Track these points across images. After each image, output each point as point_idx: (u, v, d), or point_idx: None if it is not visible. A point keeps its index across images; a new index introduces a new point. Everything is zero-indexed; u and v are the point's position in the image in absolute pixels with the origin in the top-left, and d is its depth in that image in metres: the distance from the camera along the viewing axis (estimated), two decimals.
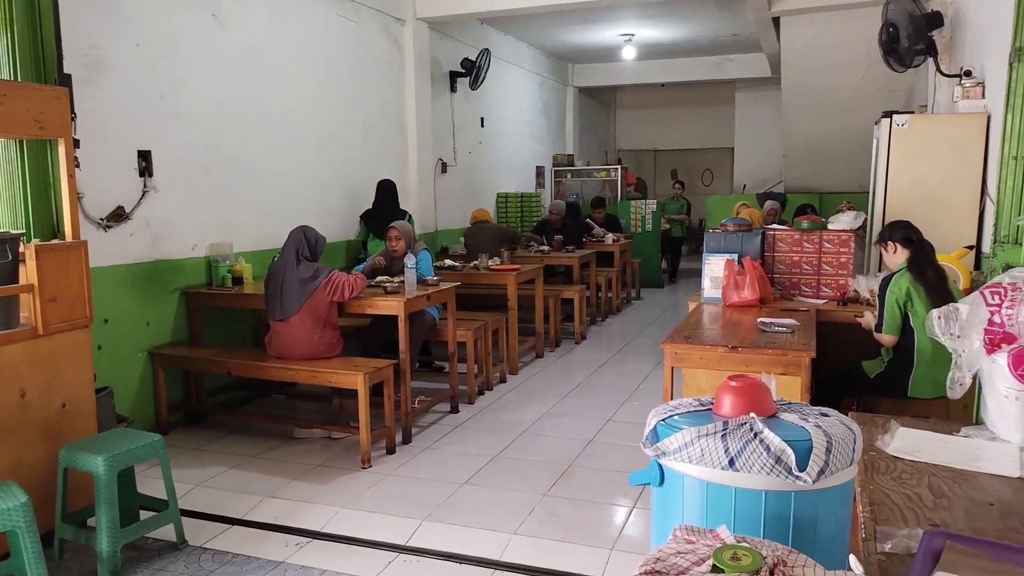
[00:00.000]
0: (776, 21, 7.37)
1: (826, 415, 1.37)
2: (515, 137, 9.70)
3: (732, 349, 2.91)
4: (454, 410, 4.56)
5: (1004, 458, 1.68)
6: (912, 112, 4.38)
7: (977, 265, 3.96)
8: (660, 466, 1.36)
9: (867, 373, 3.31)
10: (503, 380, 5.20)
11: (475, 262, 5.84)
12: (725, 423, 1.33)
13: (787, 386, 2.84)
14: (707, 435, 1.31)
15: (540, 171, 10.70)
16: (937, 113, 4.56)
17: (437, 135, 7.35)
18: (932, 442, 1.81)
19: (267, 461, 3.77)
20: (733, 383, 1.42)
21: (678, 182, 11.46)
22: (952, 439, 1.83)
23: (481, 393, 4.89)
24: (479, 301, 6.91)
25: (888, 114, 4.29)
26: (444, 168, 7.64)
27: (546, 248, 7.08)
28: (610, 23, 9.02)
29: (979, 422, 1.92)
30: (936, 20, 4.57)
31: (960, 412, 2.37)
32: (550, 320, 6.27)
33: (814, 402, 3.14)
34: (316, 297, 3.87)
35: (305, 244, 3.93)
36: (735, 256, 3.95)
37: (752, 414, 1.36)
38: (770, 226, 4.43)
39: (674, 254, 11.37)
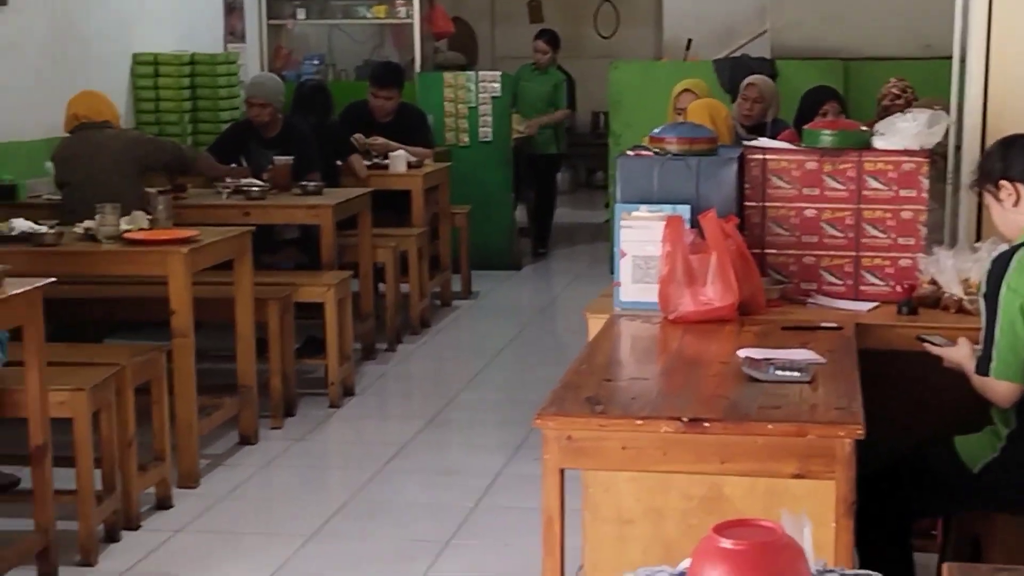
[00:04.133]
0: None
1: None
2: None
3: (690, 425, 2.97)
4: None
5: None
6: None
7: None
8: None
9: (964, 460, 3.51)
10: (164, 504, 5.37)
11: (85, 225, 5.77)
12: None
13: (808, 498, 2.94)
14: None
15: (233, 5, 10.53)
16: None
17: None
18: None
19: None
20: (726, 542, 1.45)
21: (546, 34, 11.73)
22: None
23: (113, 538, 4.97)
24: (100, 316, 6.70)
25: None
26: None
27: (253, 185, 7.07)
28: None
29: None
30: None
31: None
32: (271, 355, 6.35)
33: (861, 517, 3.29)
34: None
35: None
36: (684, 210, 4.06)
37: None
38: (754, 142, 4.59)
39: (543, 193, 11.67)
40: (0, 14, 7.39)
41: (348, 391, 6.98)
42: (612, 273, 4.21)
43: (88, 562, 4.70)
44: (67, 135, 6.65)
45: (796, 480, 2.94)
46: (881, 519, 3.52)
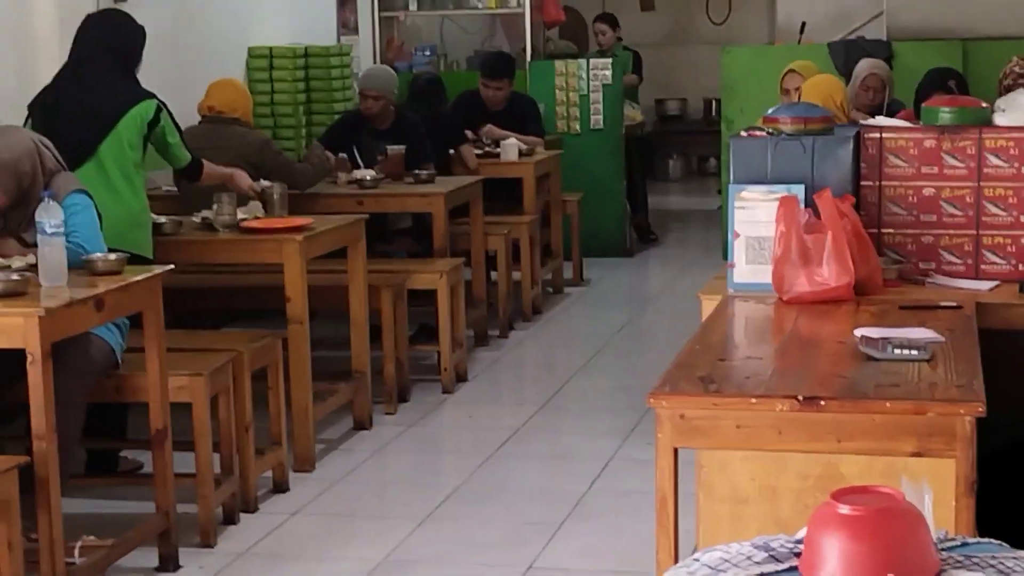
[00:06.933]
0: None
1: None
2: None
3: (806, 403, 2.93)
4: (168, 566, 4.64)
5: None
6: None
7: None
8: None
9: None
10: (280, 488, 5.45)
11: (202, 215, 5.89)
12: None
13: (927, 477, 2.89)
14: None
15: None
16: None
17: None
18: None
19: None
20: (844, 508, 1.44)
21: (605, 16, 11.70)
22: None
23: (231, 521, 5.07)
24: (217, 304, 6.79)
25: None
26: None
27: (365, 175, 7.13)
28: None
29: None
30: None
31: None
32: (384, 342, 6.42)
33: (981, 502, 3.24)
34: None
35: None
36: (799, 189, 4.02)
37: None
38: (871, 121, 4.53)
39: (633, 173, 11.45)
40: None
41: (461, 377, 7.01)
42: (725, 259, 4.17)
43: (207, 543, 4.78)
44: (193, 125, 6.72)
45: (915, 458, 2.90)
46: (1002, 500, 3.46)
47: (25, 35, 6.70)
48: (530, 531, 4.91)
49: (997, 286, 4.07)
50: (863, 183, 4.25)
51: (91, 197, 4.74)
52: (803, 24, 10.98)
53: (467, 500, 5.29)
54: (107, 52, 5.41)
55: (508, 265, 8.06)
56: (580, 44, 13.45)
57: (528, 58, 10.93)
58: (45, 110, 5.32)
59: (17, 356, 3.97)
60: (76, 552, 4.22)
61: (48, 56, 6.55)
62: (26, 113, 5.43)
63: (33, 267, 4.30)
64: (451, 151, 8.19)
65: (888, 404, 2.91)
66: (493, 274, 8.10)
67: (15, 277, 4.16)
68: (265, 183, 6.25)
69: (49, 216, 4.19)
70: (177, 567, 4.61)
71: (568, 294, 9.32)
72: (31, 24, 6.75)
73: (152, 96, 5.45)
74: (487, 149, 8.63)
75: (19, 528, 3.85)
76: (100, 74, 5.37)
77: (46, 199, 4.26)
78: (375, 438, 6.06)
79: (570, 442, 6.08)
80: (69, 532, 4.14)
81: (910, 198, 4.22)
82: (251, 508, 5.11)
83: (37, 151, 4.65)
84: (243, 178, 5.97)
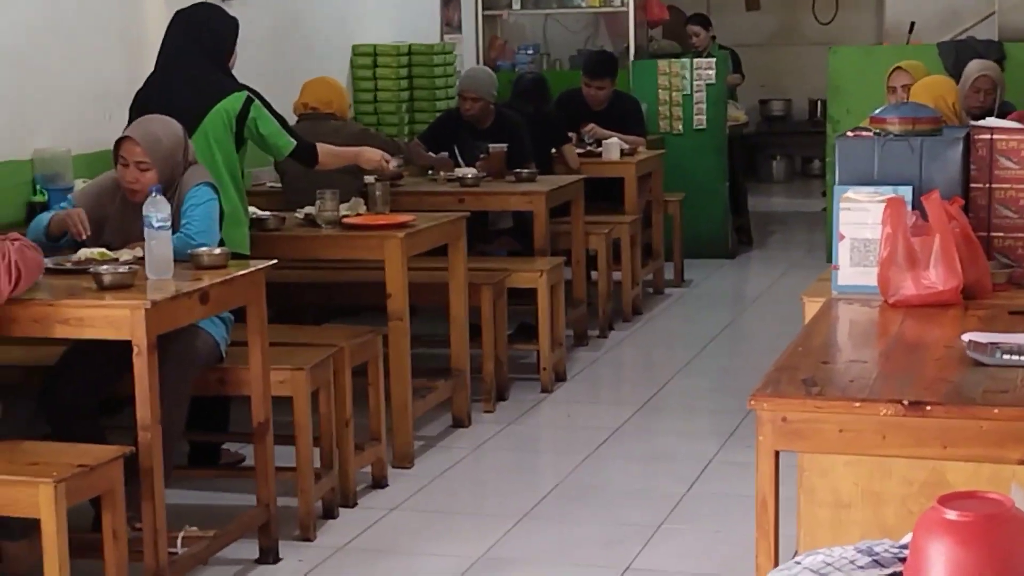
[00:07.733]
0: None
1: None
2: None
3: (911, 408, 2.90)
4: (268, 558, 4.69)
5: None
6: None
7: None
8: None
9: None
10: (379, 483, 5.49)
11: (305, 211, 5.93)
12: None
13: None
14: None
15: None
16: None
17: None
18: None
19: None
20: (951, 514, 1.42)
21: (696, 18, 11.62)
22: None
23: (330, 515, 5.12)
24: (318, 300, 6.85)
25: None
26: None
27: (468, 173, 7.17)
28: None
29: None
30: None
31: None
32: (484, 340, 6.44)
33: None
34: None
35: None
36: (906, 191, 3.97)
37: None
38: (981, 122, 4.46)
39: (736, 176, 11.33)
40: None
41: (560, 376, 7.02)
42: (829, 261, 4.14)
43: (307, 537, 4.85)
44: (297, 120, 6.81)
45: (1023, 467, 2.85)
46: None
47: (135, 34, 6.81)
48: (627, 532, 4.91)
49: None
50: (972, 185, 4.18)
51: (217, 192, 4.83)
52: (912, 24, 10.87)
53: (565, 499, 5.29)
54: (196, 47, 5.42)
55: (609, 265, 8.07)
56: (683, 43, 13.41)
57: (631, 57, 10.92)
58: (139, 112, 5.34)
59: (124, 348, 4.05)
60: (179, 542, 4.31)
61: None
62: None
63: (140, 260, 4.38)
64: (554, 150, 8.20)
65: (996, 411, 2.85)
66: (593, 274, 8.10)
67: (122, 270, 4.24)
68: (369, 178, 6.32)
69: (156, 210, 4.26)
70: (277, 559, 4.67)
71: (669, 295, 9.31)
72: (141, 23, 6.87)
73: (241, 88, 5.45)
74: (589, 148, 8.63)
75: (124, 517, 3.94)
76: (188, 70, 5.38)
77: (153, 193, 4.33)
78: (473, 436, 6.09)
79: (669, 443, 6.06)
80: (172, 522, 4.22)
81: (1021, 201, 4.15)
82: (350, 503, 5.17)
83: (184, 142, 4.79)
84: (372, 152, 6.03)
